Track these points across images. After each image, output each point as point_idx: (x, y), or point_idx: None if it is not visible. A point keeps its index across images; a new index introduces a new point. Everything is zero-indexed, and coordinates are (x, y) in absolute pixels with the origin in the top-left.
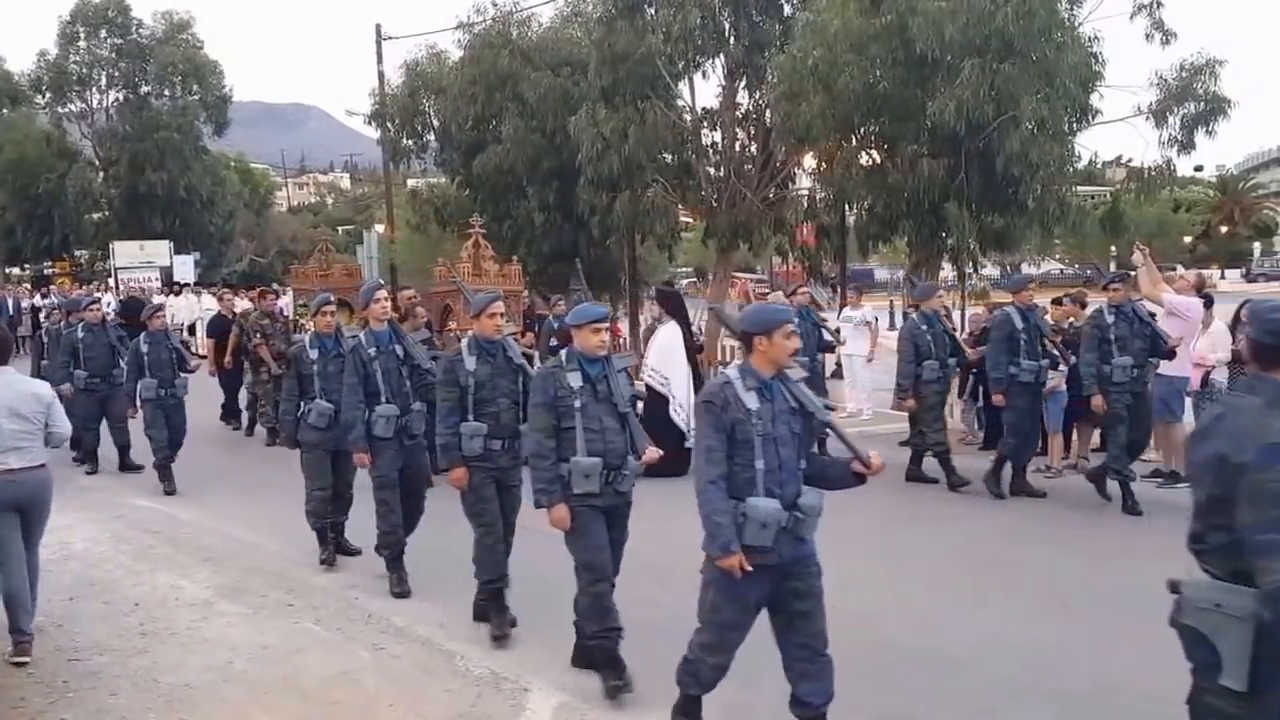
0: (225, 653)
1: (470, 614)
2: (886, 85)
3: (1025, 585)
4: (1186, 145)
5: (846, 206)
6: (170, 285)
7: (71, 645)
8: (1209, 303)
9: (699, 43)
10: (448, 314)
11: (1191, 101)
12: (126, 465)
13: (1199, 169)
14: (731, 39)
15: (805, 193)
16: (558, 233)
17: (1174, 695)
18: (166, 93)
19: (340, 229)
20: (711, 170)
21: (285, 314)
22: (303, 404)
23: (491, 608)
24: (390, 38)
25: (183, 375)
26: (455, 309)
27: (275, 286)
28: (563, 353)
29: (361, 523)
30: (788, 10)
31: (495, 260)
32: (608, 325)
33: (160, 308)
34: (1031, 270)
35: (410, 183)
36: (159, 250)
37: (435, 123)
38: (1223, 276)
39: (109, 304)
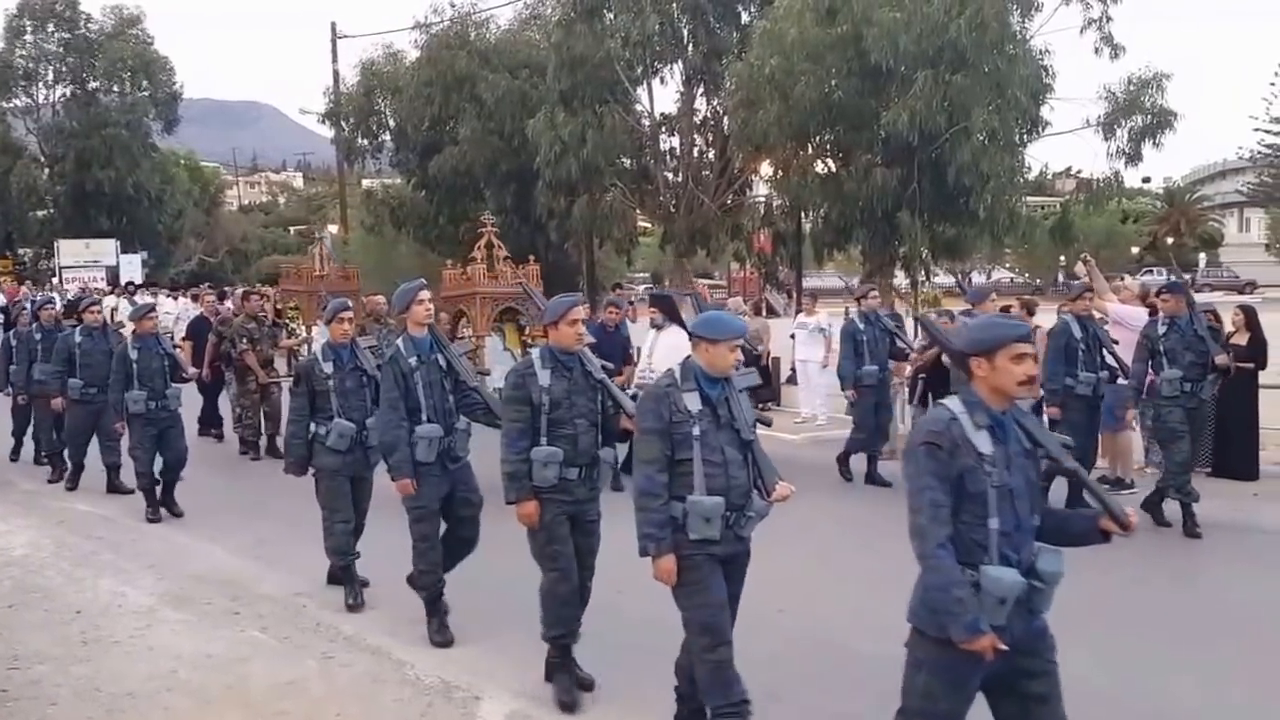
0: (169, 661)
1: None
2: (842, 95)
3: None
4: (1134, 157)
5: (802, 214)
6: (116, 284)
7: (11, 654)
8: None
9: (657, 49)
10: (459, 320)
11: (1139, 115)
12: (114, 487)
13: (1146, 180)
14: (690, 46)
15: (762, 200)
16: (515, 236)
17: (1129, 695)
18: (115, 89)
19: (293, 229)
20: (670, 176)
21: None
22: (313, 424)
23: (559, 667)
24: (346, 36)
25: (175, 385)
26: (470, 314)
27: (260, 287)
28: (676, 368)
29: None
30: (745, 18)
31: (511, 261)
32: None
33: (151, 308)
34: (980, 278)
35: (365, 183)
36: (105, 249)
37: (391, 123)
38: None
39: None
